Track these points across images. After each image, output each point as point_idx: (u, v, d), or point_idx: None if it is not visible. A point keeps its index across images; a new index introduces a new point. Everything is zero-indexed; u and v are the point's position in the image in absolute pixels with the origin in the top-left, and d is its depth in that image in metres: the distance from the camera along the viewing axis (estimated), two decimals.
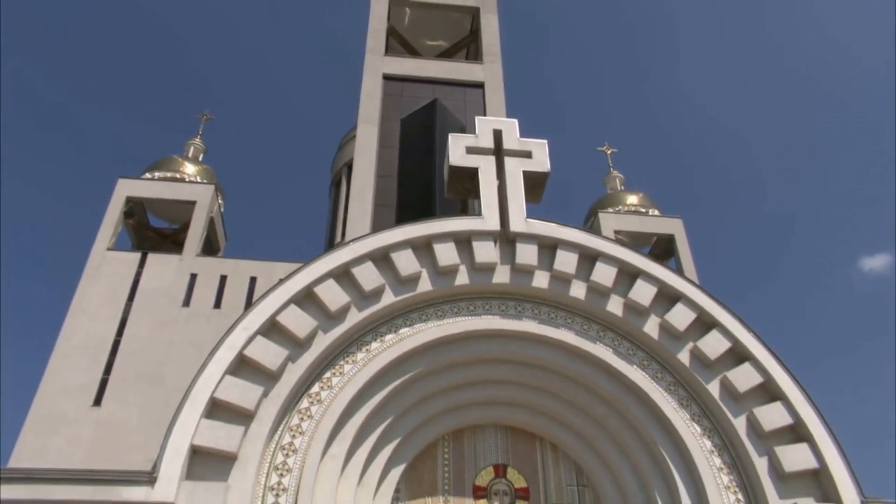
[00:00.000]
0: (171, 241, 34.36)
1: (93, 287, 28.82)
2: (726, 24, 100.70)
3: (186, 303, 28.86)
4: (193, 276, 29.65)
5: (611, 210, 34.56)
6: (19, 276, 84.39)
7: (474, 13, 32.86)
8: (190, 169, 33.88)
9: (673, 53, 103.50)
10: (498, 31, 31.50)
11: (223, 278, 29.62)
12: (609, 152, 38.91)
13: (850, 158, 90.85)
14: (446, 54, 33.81)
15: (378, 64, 29.23)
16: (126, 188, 31.76)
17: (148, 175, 33.10)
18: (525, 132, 19.01)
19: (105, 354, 27.47)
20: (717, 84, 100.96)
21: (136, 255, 30.11)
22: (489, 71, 29.73)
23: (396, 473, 15.40)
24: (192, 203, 32.02)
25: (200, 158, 36.30)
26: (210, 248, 33.82)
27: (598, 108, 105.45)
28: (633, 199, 35.44)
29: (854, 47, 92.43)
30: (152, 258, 29.99)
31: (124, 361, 27.36)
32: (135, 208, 32.80)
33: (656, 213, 34.87)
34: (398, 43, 33.60)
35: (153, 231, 35.08)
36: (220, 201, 34.54)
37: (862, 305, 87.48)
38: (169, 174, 33.20)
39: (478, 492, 15.82)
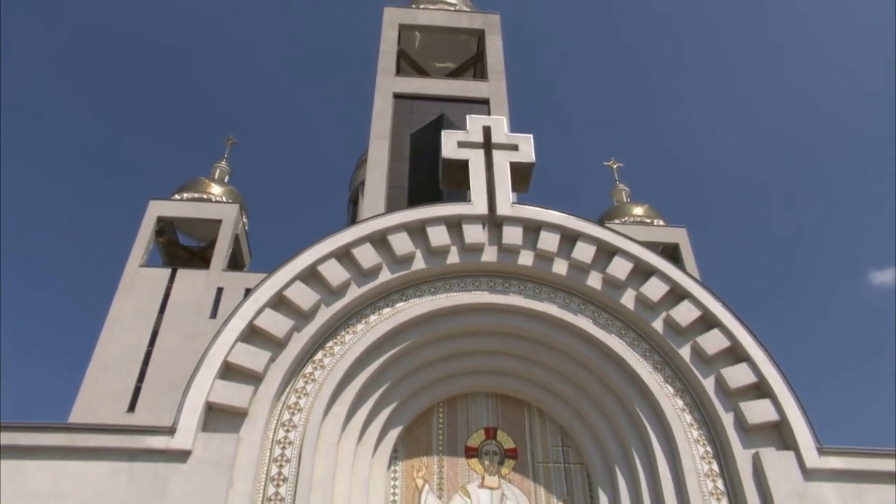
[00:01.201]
0: (199, 258, 36.06)
1: (127, 301, 30.50)
2: (730, 40, 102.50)
3: (213, 315, 30.38)
4: (220, 290, 31.26)
5: (617, 221, 35.87)
6: (58, 292, 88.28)
7: (480, 35, 34.47)
8: (216, 190, 35.82)
9: (678, 68, 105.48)
10: (502, 50, 33.02)
11: (248, 292, 31.15)
12: (615, 167, 40.35)
13: (862, 170, 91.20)
14: (454, 74, 35.39)
15: (389, 84, 30.90)
16: (157, 209, 33.67)
17: (177, 196, 35.01)
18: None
19: (138, 364, 28.99)
20: (723, 97, 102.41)
21: (167, 271, 31.82)
22: (494, 88, 31.27)
23: (394, 435, 16.54)
24: (219, 222, 33.82)
25: (226, 180, 38.26)
26: (235, 263, 35.51)
27: (605, 122, 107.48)
28: (638, 211, 36.75)
29: (855, 63, 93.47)
30: (181, 274, 31.68)
31: (156, 371, 28.88)
32: (165, 227, 34.61)
33: (661, 223, 36.10)
34: (408, 65, 35.24)
35: (182, 248, 36.86)
36: (244, 220, 36.36)
37: (872, 319, 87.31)
38: (197, 195, 35.13)
39: (469, 452, 16.91)
